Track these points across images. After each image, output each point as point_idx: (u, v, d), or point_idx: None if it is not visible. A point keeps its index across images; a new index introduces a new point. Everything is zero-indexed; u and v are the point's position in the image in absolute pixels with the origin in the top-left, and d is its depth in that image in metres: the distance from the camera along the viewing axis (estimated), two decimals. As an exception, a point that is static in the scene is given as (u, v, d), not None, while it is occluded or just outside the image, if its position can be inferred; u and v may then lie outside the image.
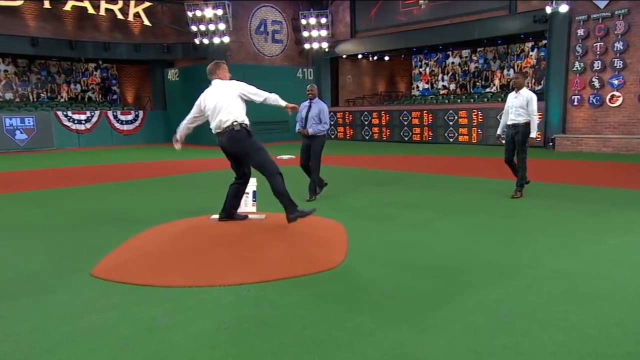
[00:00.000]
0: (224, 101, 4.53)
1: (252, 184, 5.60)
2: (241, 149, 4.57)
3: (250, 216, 5.13)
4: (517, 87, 6.55)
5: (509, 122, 6.60)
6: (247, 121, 4.60)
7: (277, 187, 4.58)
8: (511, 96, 6.62)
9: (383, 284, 3.53)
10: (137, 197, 7.55)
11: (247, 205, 5.51)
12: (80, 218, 6.05)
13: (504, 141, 6.83)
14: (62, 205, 6.99)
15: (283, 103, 4.75)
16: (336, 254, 4.25)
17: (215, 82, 4.72)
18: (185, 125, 4.96)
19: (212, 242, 4.44)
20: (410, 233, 5.00)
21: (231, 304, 3.22)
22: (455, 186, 7.90)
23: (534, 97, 6.46)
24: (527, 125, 6.45)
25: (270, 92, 4.71)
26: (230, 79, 4.76)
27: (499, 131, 7.02)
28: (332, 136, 19.93)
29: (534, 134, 6.44)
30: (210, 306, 3.19)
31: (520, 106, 6.43)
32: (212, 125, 4.66)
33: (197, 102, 4.84)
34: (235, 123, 4.51)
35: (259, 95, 4.65)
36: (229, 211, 4.92)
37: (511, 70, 18.33)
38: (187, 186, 8.56)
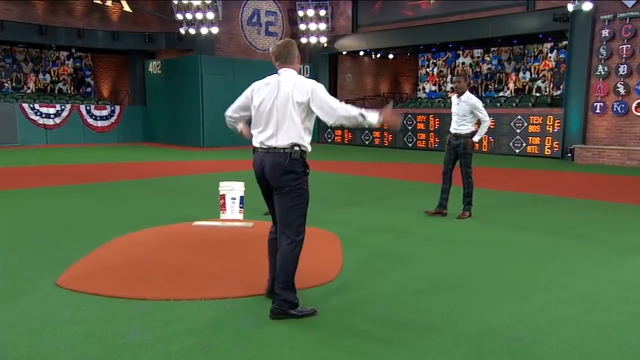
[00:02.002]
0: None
1: (239, 189, 5.62)
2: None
3: (236, 224, 5.13)
4: (459, 92, 6.17)
5: (452, 131, 6.25)
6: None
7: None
8: (454, 101, 6.28)
9: (380, 301, 3.53)
10: (110, 201, 7.52)
11: (233, 212, 5.53)
12: (44, 222, 6.02)
13: (448, 145, 6.42)
14: (23, 208, 6.95)
15: (374, 118, 3.23)
16: (330, 267, 4.25)
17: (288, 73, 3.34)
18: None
19: (192, 251, 4.43)
20: (411, 246, 5.02)
21: (212, 320, 3.20)
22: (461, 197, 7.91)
23: (479, 102, 6.17)
24: (471, 135, 6.17)
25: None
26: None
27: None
28: (329, 140, 20.00)
29: (478, 138, 6.15)
30: (188, 322, 3.17)
31: (464, 114, 6.10)
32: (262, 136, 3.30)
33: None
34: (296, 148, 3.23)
35: (334, 104, 3.21)
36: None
37: (527, 73, 18.52)
38: (167, 190, 8.53)
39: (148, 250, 4.54)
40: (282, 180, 3.22)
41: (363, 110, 3.21)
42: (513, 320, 3.23)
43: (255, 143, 3.32)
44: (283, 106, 3.23)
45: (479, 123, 6.17)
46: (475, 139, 6.19)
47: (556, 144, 14.11)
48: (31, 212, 6.58)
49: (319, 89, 3.22)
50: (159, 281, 3.84)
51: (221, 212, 5.63)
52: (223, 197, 5.59)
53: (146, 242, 4.79)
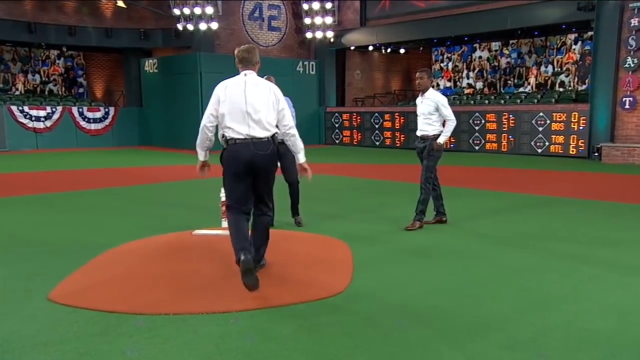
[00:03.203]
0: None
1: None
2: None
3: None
4: (422, 89, 6.05)
5: (418, 134, 6.13)
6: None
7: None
8: (418, 101, 6.16)
9: (394, 315, 3.52)
10: (104, 208, 7.56)
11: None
12: (34, 232, 6.05)
13: (416, 150, 6.29)
14: (10, 217, 7.00)
15: (302, 158, 4.21)
16: (339, 278, 4.24)
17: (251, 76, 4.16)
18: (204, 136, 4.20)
19: (192, 262, 4.44)
20: (426, 255, 5.01)
21: (214, 336, 3.21)
22: (478, 201, 7.90)
23: (444, 99, 6.05)
24: (438, 137, 6.02)
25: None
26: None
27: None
28: (337, 141, 20.00)
29: (443, 139, 5.99)
30: (189, 337, 3.18)
31: (429, 113, 5.97)
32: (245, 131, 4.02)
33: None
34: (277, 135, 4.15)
35: (291, 120, 4.20)
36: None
37: (549, 66, 18.46)
38: (165, 197, 8.57)
39: (145, 261, 4.55)
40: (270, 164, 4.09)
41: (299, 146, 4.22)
42: (538, 334, 3.21)
43: (236, 135, 4.00)
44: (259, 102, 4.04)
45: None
46: (440, 140, 6.01)
47: (582, 143, 14.02)
48: (18, 223, 6.62)
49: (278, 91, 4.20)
50: (156, 295, 3.85)
51: (223, 219, 5.63)
52: (224, 204, 5.59)
53: (143, 253, 4.81)
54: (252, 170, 4.01)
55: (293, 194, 6.13)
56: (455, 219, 6.59)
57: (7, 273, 4.48)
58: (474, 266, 4.65)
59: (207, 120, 4.08)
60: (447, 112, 6.01)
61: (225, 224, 5.63)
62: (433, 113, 5.98)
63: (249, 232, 4.10)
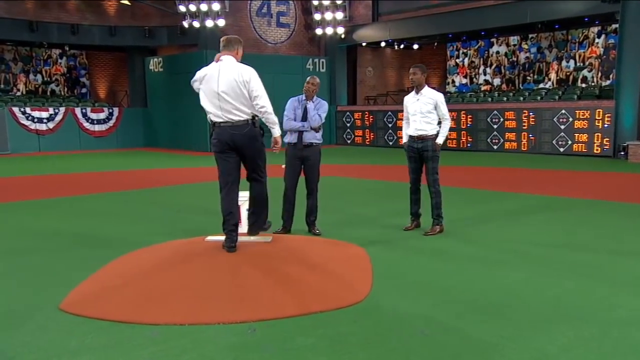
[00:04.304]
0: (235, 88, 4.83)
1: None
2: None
3: (252, 238, 5.14)
4: (417, 86, 5.97)
5: (414, 134, 6.01)
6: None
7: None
8: (410, 99, 6.06)
9: (417, 325, 3.50)
10: (111, 213, 7.60)
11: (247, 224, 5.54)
12: (39, 239, 6.08)
13: (409, 151, 6.15)
14: (15, 222, 7.04)
15: (276, 132, 4.96)
16: (359, 286, 4.24)
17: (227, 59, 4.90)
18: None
19: (206, 269, 4.46)
20: (446, 260, 4.99)
21: (233, 347, 3.21)
22: (497, 203, 7.86)
23: (443, 97, 6.03)
24: (436, 136, 5.98)
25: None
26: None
27: (404, 139, 6.27)
28: (349, 141, 20.00)
29: (442, 140, 5.97)
30: (207, 349, 3.18)
31: (428, 111, 5.91)
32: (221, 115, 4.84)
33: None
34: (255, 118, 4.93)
35: (262, 98, 4.83)
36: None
37: (571, 61, 18.33)
38: (174, 200, 8.60)
39: (157, 269, 4.57)
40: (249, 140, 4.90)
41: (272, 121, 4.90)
42: (571, 346, 3.18)
43: (215, 118, 4.86)
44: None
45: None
46: (440, 141, 5.97)
47: (607, 141, 13.91)
48: (24, 229, 6.67)
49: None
50: (171, 304, 3.86)
51: (235, 225, 5.63)
52: (238, 208, 5.60)
53: (154, 260, 4.82)
54: (234, 146, 4.83)
55: (309, 201, 6.08)
56: (473, 222, 6.57)
57: (14, 282, 4.52)
58: (497, 273, 4.62)
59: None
60: (446, 110, 6.00)
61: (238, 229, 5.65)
62: (432, 111, 5.93)
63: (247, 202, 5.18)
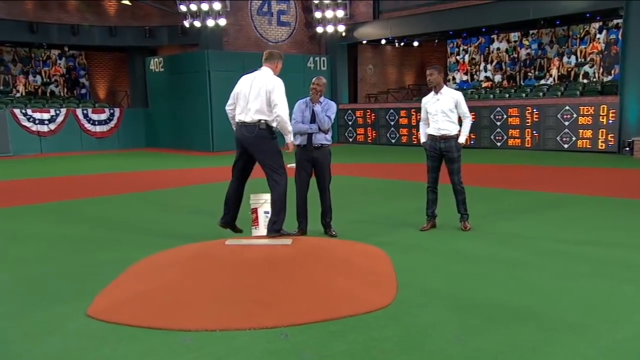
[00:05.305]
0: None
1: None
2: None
3: (273, 241, 5.12)
4: (435, 86, 6.00)
5: (436, 133, 6.01)
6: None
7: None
8: (430, 99, 6.09)
9: (450, 329, 3.49)
10: (120, 216, 7.57)
11: (266, 227, 5.52)
12: (50, 244, 6.04)
13: (431, 151, 6.13)
14: (23, 227, 7.00)
15: (290, 139, 5.50)
16: (385, 288, 4.22)
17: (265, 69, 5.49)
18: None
19: (230, 273, 4.43)
20: (469, 262, 4.97)
21: (268, 353, 3.19)
22: (511, 202, 7.85)
23: (461, 95, 6.06)
24: (459, 135, 6.04)
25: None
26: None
27: (422, 139, 6.29)
28: (351, 139, 19.97)
29: (464, 139, 6.04)
30: (243, 356, 3.16)
31: (449, 110, 5.94)
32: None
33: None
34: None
35: (280, 107, 5.27)
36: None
37: (572, 57, 18.34)
38: (182, 202, 8.57)
39: (180, 272, 4.54)
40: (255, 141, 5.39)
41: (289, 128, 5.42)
42: (610, 348, 3.17)
43: (238, 119, 5.48)
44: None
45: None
46: (462, 140, 6.04)
47: (611, 137, 13.93)
48: (31, 234, 6.64)
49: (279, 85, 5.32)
50: (199, 309, 3.84)
51: (253, 227, 5.62)
52: (255, 211, 5.58)
53: (176, 264, 4.80)
54: (242, 144, 5.40)
55: (323, 202, 6.06)
56: (489, 221, 6.57)
57: (35, 289, 4.48)
58: (522, 272, 4.61)
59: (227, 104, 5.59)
60: (466, 108, 6.08)
61: (255, 232, 5.64)
62: (453, 110, 5.99)
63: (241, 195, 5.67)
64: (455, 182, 6.12)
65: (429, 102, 6.10)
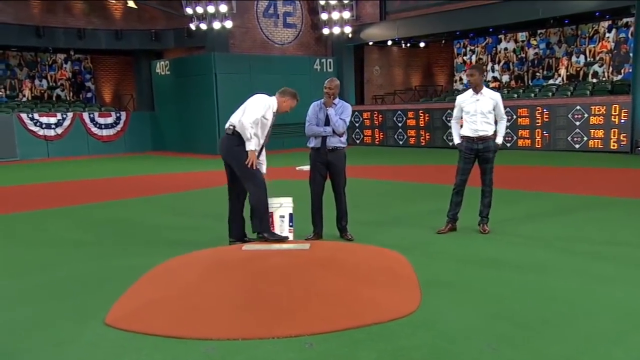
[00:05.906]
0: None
1: (287, 205, 5.53)
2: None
3: (291, 246, 5.03)
4: (475, 86, 5.90)
5: (474, 135, 5.90)
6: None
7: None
8: (467, 98, 5.97)
9: (480, 337, 3.38)
10: (130, 221, 7.49)
11: (282, 232, 5.44)
12: (61, 250, 5.96)
13: (467, 152, 6.01)
14: (33, 233, 6.94)
15: (249, 146, 5.28)
16: (408, 295, 4.12)
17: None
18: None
19: (249, 279, 4.34)
20: (493, 267, 4.87)
21: (295, 364, 3.10)
22: (529, 204, 7.74)
23: (500, 96, 5.98)
24: (495, 136, 5.97)
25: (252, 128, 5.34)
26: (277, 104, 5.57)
27: (456, 140, 6.13)
28: (358, 141, 19.87)
29: (500, 139, 5.99)
30: (268, 366, 3.08)
31: (488, 111, 5.86)
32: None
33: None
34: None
35: (247, 113, 5.33)
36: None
37: (581, 56, 18.21)
38: (192, 206, 8.49)
39: (197, 279, 4.46)
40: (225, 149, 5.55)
41: (251, 135, 5.25)
42: (649, 356, 3.07)
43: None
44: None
45: None
46: (499, 141, 5.98)
47: (623, 137, 13.76)
48: (42, 240, 6.58)
49: (255, 103, 5.41)
50: (219, 316, 3.75)
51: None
52: (271, 215, 5.50)
53: (192, 270, 4.71)
54: (224, 159, 5.53)
55: (339, 205, 5.97)
56: (509, 224, 6.47)
57: (50, 297, 4.40)
58: (548, 277, 4.50)
59: None
60: (503, 110, 5.99)
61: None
62: (491, 111, 5.90)
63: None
64: (486, 182, 6.08)
65: (466, 101, 5.98)
